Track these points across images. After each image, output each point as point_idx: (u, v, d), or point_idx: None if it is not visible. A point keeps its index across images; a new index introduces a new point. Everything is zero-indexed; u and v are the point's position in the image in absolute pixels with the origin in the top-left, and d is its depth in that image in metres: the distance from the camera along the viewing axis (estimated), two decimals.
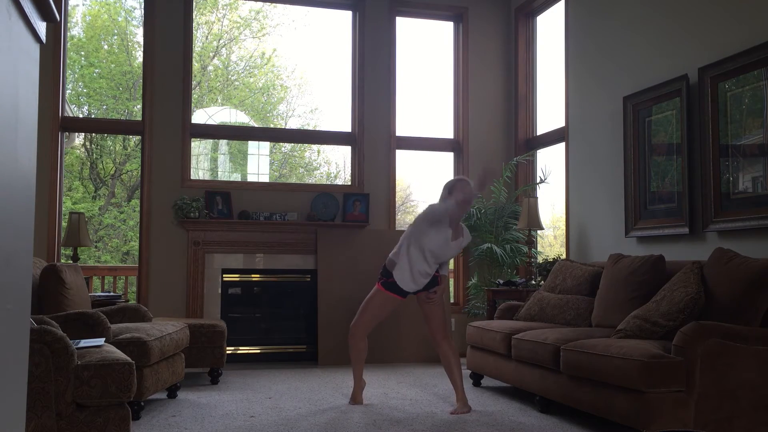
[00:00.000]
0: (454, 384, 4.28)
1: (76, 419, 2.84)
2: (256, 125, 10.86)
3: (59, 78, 6.10)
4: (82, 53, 11.64)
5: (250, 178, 9.18)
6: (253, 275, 6.43)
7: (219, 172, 10.29)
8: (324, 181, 11.68)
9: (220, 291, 6.27)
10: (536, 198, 6.18)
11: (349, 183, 6.93)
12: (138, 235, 6.75)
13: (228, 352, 6.00)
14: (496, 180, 6.74)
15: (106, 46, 11.92)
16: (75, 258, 5.85)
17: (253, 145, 9.26)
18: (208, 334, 5.08)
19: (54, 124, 6.04)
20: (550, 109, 6.76)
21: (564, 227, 6.19)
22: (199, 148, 9.78)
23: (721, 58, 4.31)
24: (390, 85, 6.89)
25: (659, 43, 4.95)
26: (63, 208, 6.42)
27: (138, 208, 7.95)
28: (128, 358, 3.03)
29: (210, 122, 9.20)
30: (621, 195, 5.23)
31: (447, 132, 7.18)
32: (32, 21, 1.37)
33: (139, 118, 6.48)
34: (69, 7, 6.70)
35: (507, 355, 4.51)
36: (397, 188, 7.32)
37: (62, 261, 6.39)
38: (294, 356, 6.37)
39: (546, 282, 5.18)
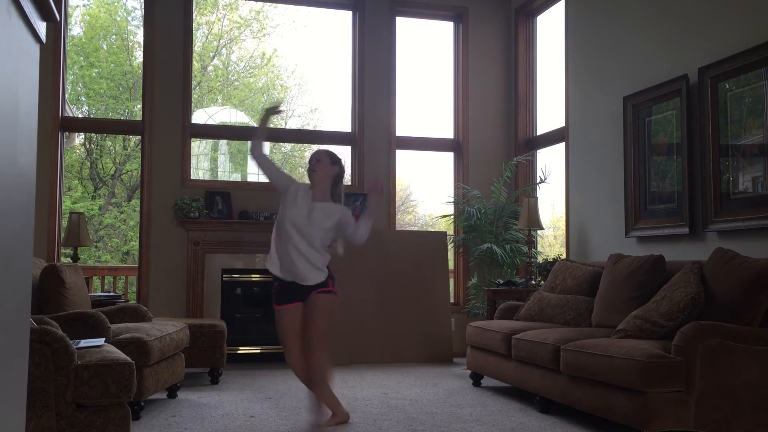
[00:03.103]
0: (325, 402, 3.64)
1: (76, 419, 2.84)
2: (257, 125, 10.85)
3: (59, 78, 6.10)
4: (82, 53, 11.64)
5: (250, 178, 9.17)
6: (253, 275, 6.42)
7: (219, 172, 10.29)
8: None
9: (220, 291, 6.26)
10: (536, 198, 6.18)
11: (349, 183, 6.93)
12: (138, 235, 6.75)
13: (228, 352, 5.99)
14: (496, 180, 6.74)
15: (105, 46, 11.91)
16: (75, 258, 5.85)
17: None
18: (208, 334, 5.08)
19: (54, 124, 6.04)
20: (550, 109, 6.76)
21: (564, 227, 6.19)
22: (199, 148, 9.77)
23: (721, 58, 4.31)
24: (390, 85, 6.89)
25: (659, 43, 4.95)
26: (63, 208, 6.42)
27: (138, 208, 7.95)
28: (128, 358, 3.03)
29: (210, 122, 9.19)
30: (621, 195, 5.23)
31: (447, 132, 7.18)
32: (32, 21, 1.37)
33: (139, 118, 6.48)
34: (69, 7, 6.70)
35: (507, 355, 4.51)
36: (397, 188, 7.31)
37: (62, 261, 6.39)
38: None
39: (546, 282, 5.18)
